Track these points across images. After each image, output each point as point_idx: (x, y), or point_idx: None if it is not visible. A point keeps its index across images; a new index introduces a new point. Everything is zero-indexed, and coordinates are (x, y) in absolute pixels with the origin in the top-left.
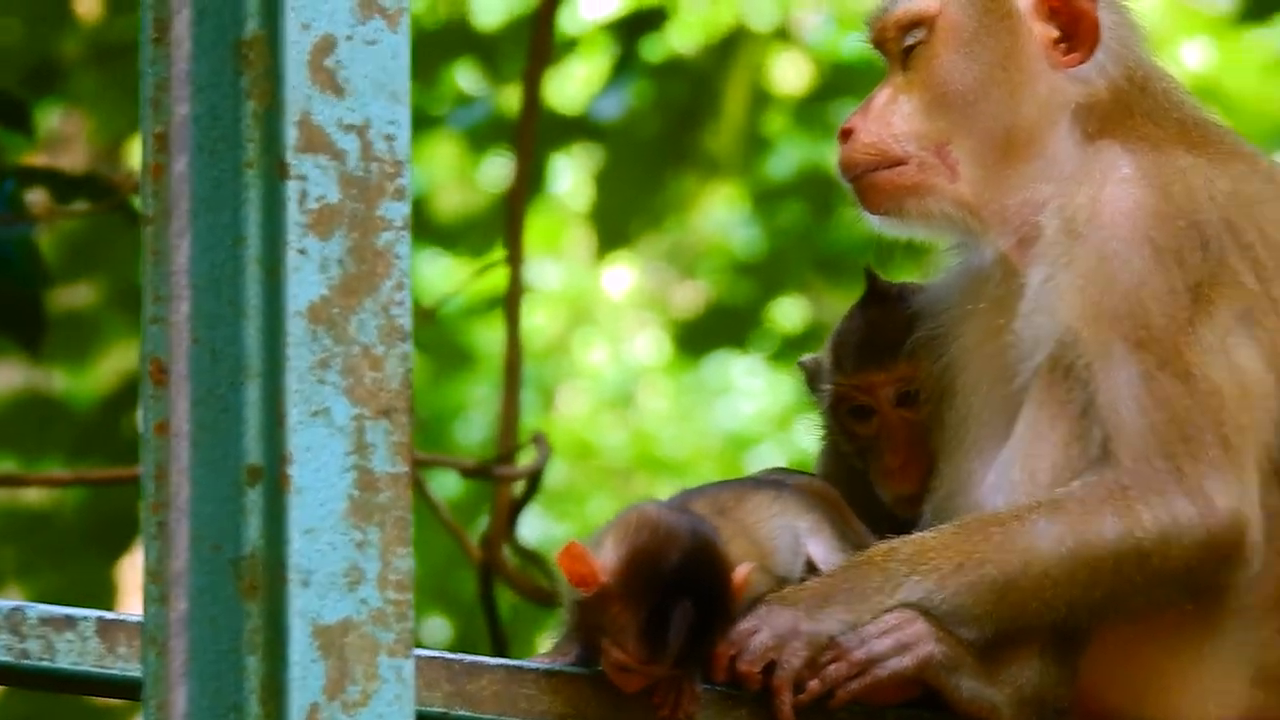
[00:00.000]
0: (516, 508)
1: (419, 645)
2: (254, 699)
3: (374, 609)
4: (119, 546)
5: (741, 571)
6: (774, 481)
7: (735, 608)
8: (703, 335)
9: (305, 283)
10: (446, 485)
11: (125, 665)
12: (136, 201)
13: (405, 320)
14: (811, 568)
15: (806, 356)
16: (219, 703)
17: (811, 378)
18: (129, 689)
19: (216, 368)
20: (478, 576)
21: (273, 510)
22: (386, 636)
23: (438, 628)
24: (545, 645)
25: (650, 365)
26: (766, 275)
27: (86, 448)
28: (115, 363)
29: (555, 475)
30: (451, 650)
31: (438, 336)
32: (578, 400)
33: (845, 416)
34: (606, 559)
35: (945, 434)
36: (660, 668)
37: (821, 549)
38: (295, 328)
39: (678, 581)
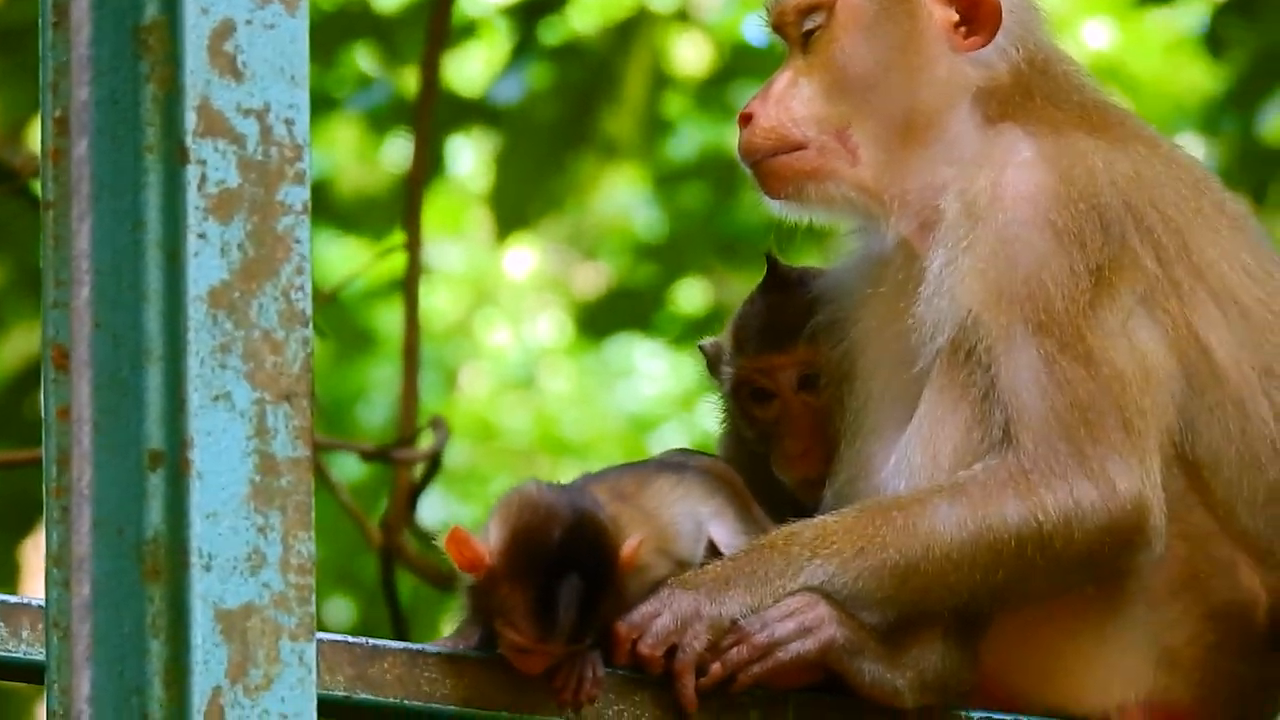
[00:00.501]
0: (416, 491)
1: (321, 629)
2: (157, 682)
3: (276, 593)
4: (22, 529)
5: (630, 545)
6: (677, 465)
7: (627, 583)
8: (604, 317)
9: (206, 267)
10: (347, 468)
11: (29, 649)
12: (37, 185)
13: (305, 305)
14: (714, 552)
15: (707, 340)
16: (122, 686)
17: (712, 362)
18: (32, 673)
19: (118, 352)
20: (378, 560)
21: (175, 494)
22: (289, 620)
23: (340, 610)
24: (447, 629)
25: (552, 347)
26: (668, 257)
27: None
28: (18, 346)
29: (457, 457)
30: (353, 634)
31: (338, 319)
32: (480, 381)
33: (746, 400)
34: (491, 541)
35: (846, 418)
36: (555, 646)
37: (724, 533)
38: (196, 312)
39: (562, 558)
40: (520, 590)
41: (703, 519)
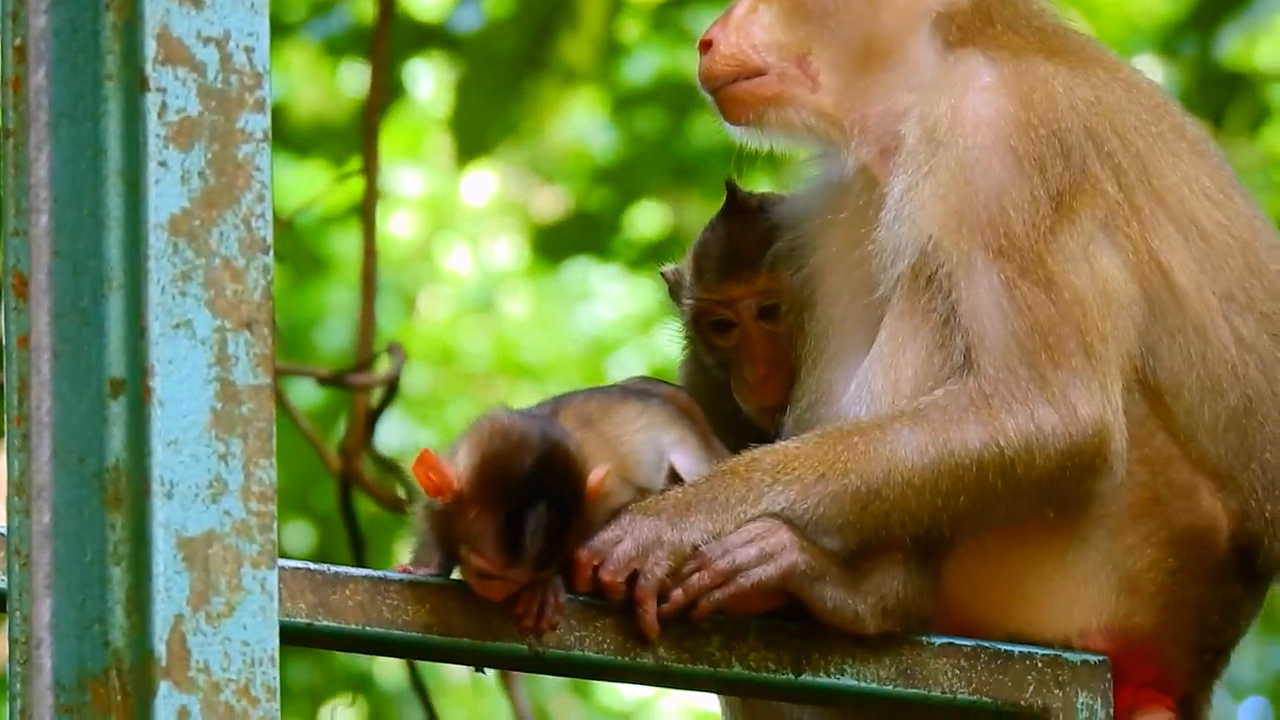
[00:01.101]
0: (374, 416)
1: (281, 556)
2: (119, 610)
3: (237, 521)
4: None
5: (597, 474)
6: (641, 392)
7: (592, 511)
8: (561, 241)
9: (166, 195)
10: (305, 394)
11: None
12: None
13: (266, 232)
14: (675, 480)
15: (667, 267)
16: (84, 614)
17: (673, 289)
18: None
19: (78, 281)
20: (337, 486)
21: (136, 422)
22: (250, 548)
23: (298, 535)
24: (404, 555)
25: (510, 271)
26: (624, 181)
27: None
28: None
29: (417, 381)
30: (311, 559)
31: (295, 244)
32: (439, 306)
33: (706, 329)
34: (460, 466)
35: (806, 345)
36: (520, 572)
37: (686, 461)
38: (156, 240)
39: (531, 485)
40: (488, 516)
41: (665, 447)
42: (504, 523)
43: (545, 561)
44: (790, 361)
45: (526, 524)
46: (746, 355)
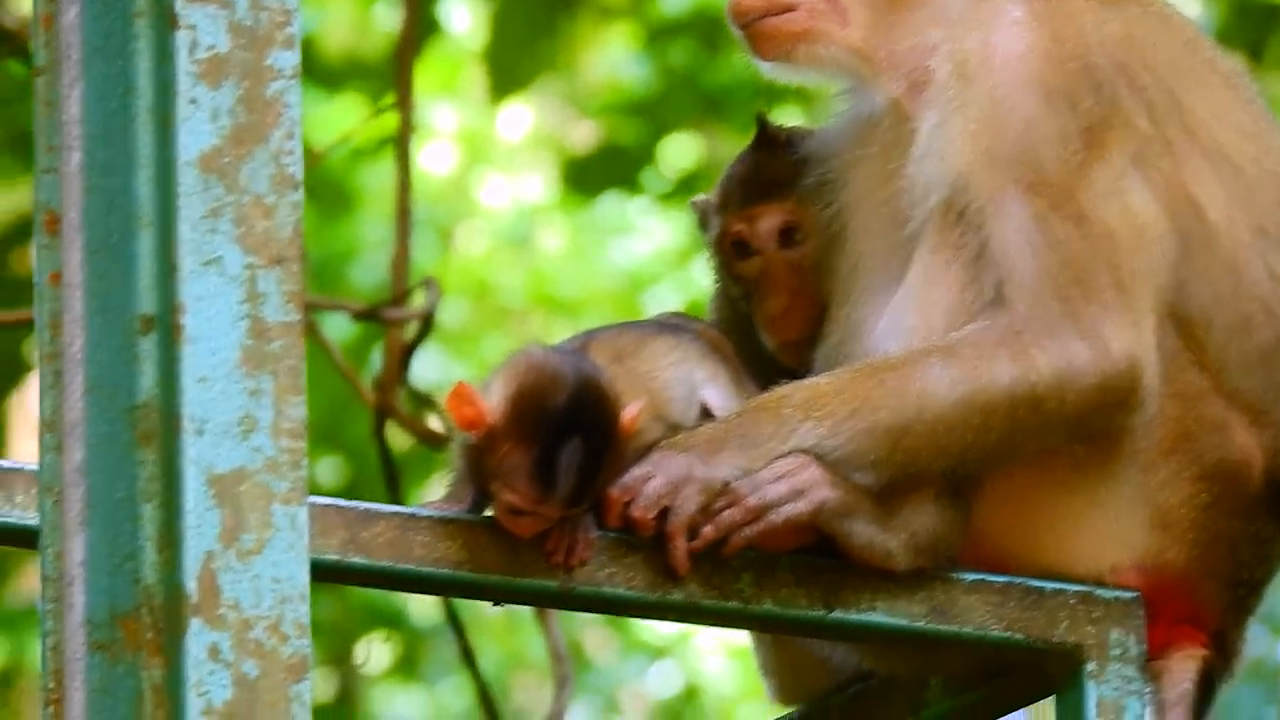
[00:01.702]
0: (409, 350)
1: (312, 491)
2: (150, 546)
3: (267, 457)
4: (3, 389)
5: (630, 411)
6: (674, 327)
7: (625, 448)
8: (594, 175)
9: (196, 132)
10: (339, 329)
11: (22, 514)
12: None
13: (296, 169)
14: (707, 416)
15: (699, 197)
16: (116, 550)
17: (702, 218)
18: (25, 537)
19: (109, 217)
20: (372, 420)
21: (166, 359)
22: (280, 485)
23: (331, 469)
24: (437, 491)
25: (546, 205)
26: (657, 115)
27: None
28: (7, 203)
29: (452, 315)
30: (343, 494)
31: (328, 178)
32: (475, 240)
33: (729, 256)
34: (494, 400)
35: (836, 281)
36: (551, 508)
37: (718, 397)
38: (187, 177)
39: (565, 421)
40: (521, 451)
41: (697, 383)
42: (537, 458)
43: (577, 498)
44: (813, 294)
45: (559, 460)
46: (768, 286)
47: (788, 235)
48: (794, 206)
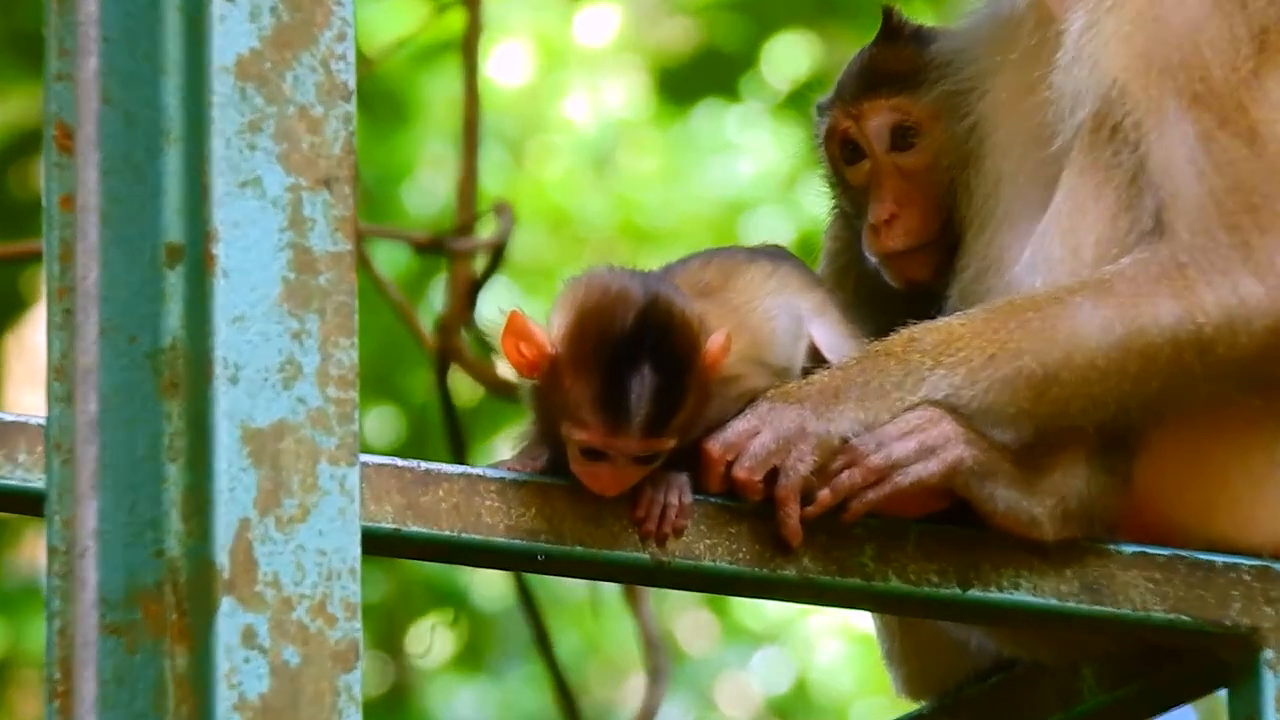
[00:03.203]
0: (476, 286)
1: (364, 450)
2: (175, 513)
3: (312, 409)
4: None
5: (716, 339)
6: (771, 253)
7: (711, 382)
8: (690, 83)
9: (233, 34)
10: (394, 261)
11: (26, 475)
12: None
13: (348, 76)
14: (815, 360)
15: (823, 97)
16: (135, 518)
17: (819, 125)
18: (30, 502)
19: (130, 132)
20: (433, 367)
21: (196, 295)
22: (328, 441)
23: (385, 424)
24: (509, 450)
25: (633, 119)
26: (762, 11)
27: None
28: (5, 114)
29: (525, 246)
30: (400, 453)
31: (383, 87)
32: (551, 160)
33: (837, 159)
34: (554, 329)
35: (973, 205)
36: (626, 441)
37: (827, 334)
38: (221, 85)
39: (633, 342)
40: (586, 378)
41: (803, 316)
42: (603, 381)
43: (655, 427)
44: (925, 208)
45: (630, 385)
46: (874, 191)
47: (900, 135)
48: (910, 104)
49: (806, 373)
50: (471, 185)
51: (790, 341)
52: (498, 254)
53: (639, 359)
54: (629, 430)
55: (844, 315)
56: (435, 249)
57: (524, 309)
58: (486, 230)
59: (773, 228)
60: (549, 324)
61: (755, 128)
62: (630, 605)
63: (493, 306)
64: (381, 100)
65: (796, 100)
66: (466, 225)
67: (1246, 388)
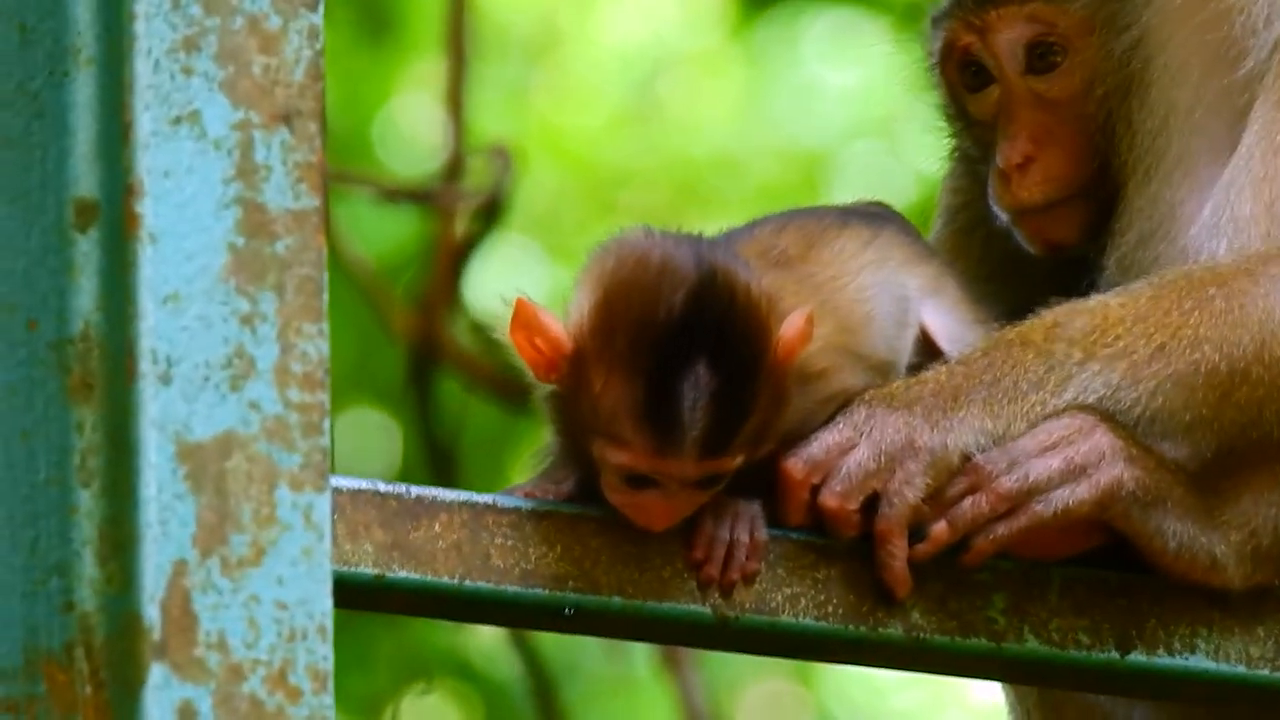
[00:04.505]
0: (466, 251)
1: (338, 471)
2: (88, 554)
3: (269, 418)
4: None
5: (794, 320)
6: (869, 214)
7: (789, 383)
8: None
9: None
10: (363, 219)
11: None
12: None
13: None
14: (928, 351)
15: (938, 5)
16: (35, 562)
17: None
18: None
19: (28, 53)
20: (409, 360)
21: (114, 268)
22: (289, 460)
23: (365, 437)
24: (525, 472)
25: (676, 36)
26: None
27: None
28: None
29: (534, 200)
30: (385, 475)
31: None
32: (569, 89)
33: (957, 86)
34: (575, 317)
35: (1134, 146)
36: (680, 465)
37: (942, 318)
38: None
39: (683, 331)
40: (622, 381)
41: (910, 295)
42: (646, 385)
43: (714, 444)
44: (1070, 146)
45: (681, 389)
46: (1004, 127)
47: (1039, 54)
48: (1053, 13)
49: (916, 369)
50: (460, 120)
51: (893, 328)
52: (494, 209)
53: (692, 354)
54: (681, 449)
55: (965, 294)
56: (415, 200)
57: (532, 292)
58: (481, 179)
59: (865, 184)
60: (571, 309)
61: (842, 38)
62: (670, 675)
63: (490, 281)
64: (358, 10)
65: (906, 14)
66: (454, 171)
67: None
